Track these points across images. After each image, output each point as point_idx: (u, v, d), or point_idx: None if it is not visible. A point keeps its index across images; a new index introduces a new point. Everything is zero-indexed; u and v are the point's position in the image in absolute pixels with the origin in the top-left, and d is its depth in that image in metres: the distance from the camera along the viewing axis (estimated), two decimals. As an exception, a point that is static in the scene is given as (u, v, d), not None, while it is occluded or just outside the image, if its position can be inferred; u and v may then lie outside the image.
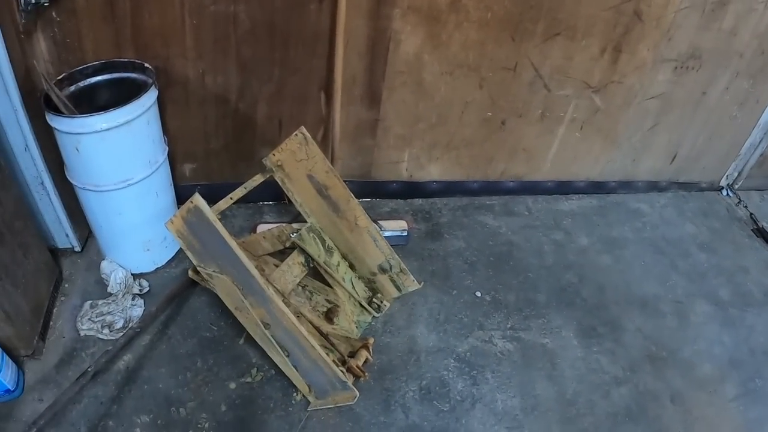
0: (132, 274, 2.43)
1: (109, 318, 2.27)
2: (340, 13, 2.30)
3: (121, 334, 2.17)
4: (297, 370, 2.04)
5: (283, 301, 2.11)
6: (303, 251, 2.34)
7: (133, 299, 2.36)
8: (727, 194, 3.59)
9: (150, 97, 2.13)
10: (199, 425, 1.99)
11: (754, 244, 3.27)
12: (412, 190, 2.99)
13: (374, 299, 2.43)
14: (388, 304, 2.45)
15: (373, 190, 2.95)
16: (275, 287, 2.23)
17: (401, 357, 2.34)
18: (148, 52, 2.31)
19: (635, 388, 2.39)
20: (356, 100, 2.64)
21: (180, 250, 2.52)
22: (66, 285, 2.41)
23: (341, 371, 1.98)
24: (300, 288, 2.38)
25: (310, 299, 2.37)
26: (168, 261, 2.53)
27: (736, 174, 3.53)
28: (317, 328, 2.26)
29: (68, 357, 2.15)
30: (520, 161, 3.04)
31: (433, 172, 2.97)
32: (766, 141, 3.35)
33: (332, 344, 2.23)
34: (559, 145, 3.02)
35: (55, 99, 2.03)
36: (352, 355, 2.20)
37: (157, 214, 2.34)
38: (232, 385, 2.14)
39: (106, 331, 2.23)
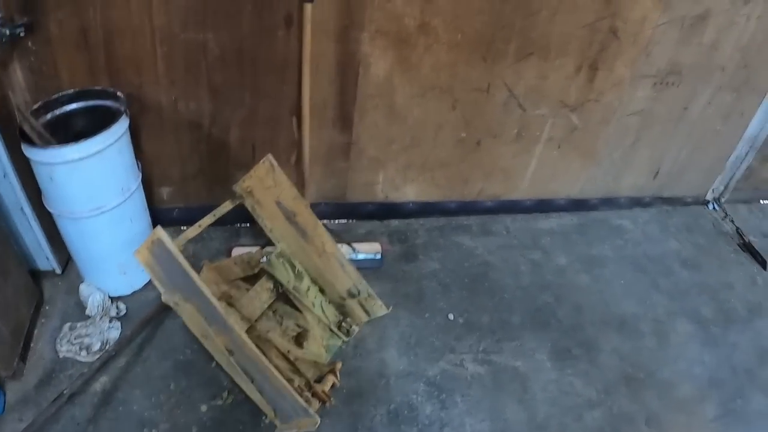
0: (110, 297, 2.44)
1: (87, 340, 2.28)
2: (306, 39, 2.25)
3: (98, 356, 2.20)
4: (262, 395, 2.03)
5: (250, 326, 2.16)
6: (272, 277, 2.30)
7: (110, 322, 2.37)
8: (714, 208, 3.52)
9: (121, 126, 2.14)
10: (170, 447, 1.98)
11: (740, 259, 3.20)
12: (388, 211, 2.96)
13: (343, 323, 2.39)
14: (357, 329, 2.42)
15: (349, 212, 2.92)
16: (242, 313, 2.22)
17: (371, 381, 2.32)
18: (122, 79, 2.32)
19: (609, 411, 2.34)
20: (328, 123, 2.61)
21: None
22: (47, 307, 2.42)
23: (303, 398, 1.96)
24: (271, 312, 2.36)
25: (281, 324, 2.35)
26: (145, 284, 2.52)
27: (722, 188, 3.46)
28: (287, 352, 2.24)
29: (48, 378, 2.16)
30: (498, 181, 2.99)
31: (409, 193, 2.93)
32: (752, 154, 3.27)
33: (297, 369, 2.21)
34: (537, 164, 2.97)
35: (28, 130, 2.04)
36: (320, 379, 2.19)
37: (132, 239, 2.34)
38: (204, 408, 2.13)
39: (83, 353, 2.25)
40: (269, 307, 2.34)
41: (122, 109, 2.17)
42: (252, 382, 1.99)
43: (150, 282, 2.53)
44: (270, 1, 2.25)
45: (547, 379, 2.42)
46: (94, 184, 2.15)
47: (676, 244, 3.19)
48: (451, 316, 2.59)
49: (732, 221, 3.42)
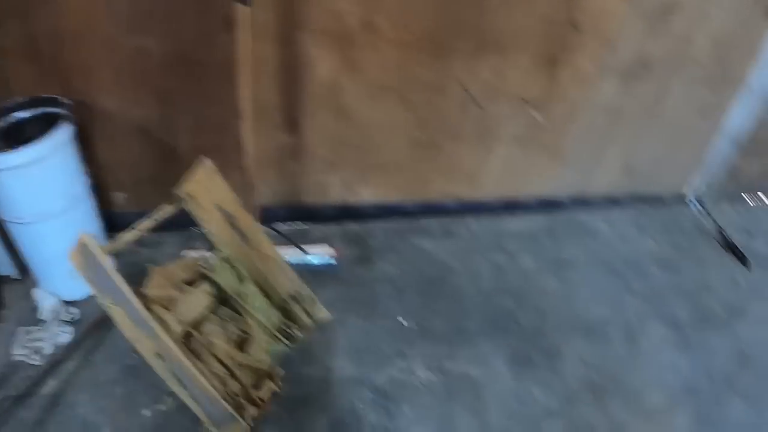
0: (63, 302, 2.41)
1: (39, 344, 2.27)
2: (239, 42, 2.17)
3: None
4: (193, 400, 1.97)
5: (194, 330, 2.09)
6: (213, 281, 2.25)
7: (61, 326, 2.35)
8: (695, 207, 3.33)
9: (62, 133, 2.12)
10: (112, 452, 1.96)
11: (721, 259, 3.06)
12: (346, 213, 2.87)
13: (286, 328, 2.30)
14: (300, 334, 2.32)
15: (305, 215, 2.84)
16: (179, 317, 2.13)
17: (316, 387, 2.24)
18: (72, 87, 2.30)
19: (570, 422, 2.22)
20: (276, 126, 2.55)
21: None
22: (4, 311, 2.40)
23: (237, 403, 1.95)
24: (216, 317, 2.28)
25: (224, 328, 2.27)
26: None
27: (702, 185, 3.29)
28: (229, 357, 2.17)
29: (1, 381, 2.14)
30: (460, 181, 2.89)
31: (366, 195, 2.84)
32: (733, 150, 3.10)
33: (234, 375, 2.13)
34: (500, 164, 2.86)
35: None
36: (259, 385, 2.13)
37: None
38: (147, 413, 2.09)
39: (36, 357, 2.23)
40: (214, 311, 2.27)
41: (66, 116, 2.16)
42: (184, 387, 1.94)
43: None
44: (208, 4, 2.20)
45: (503, 388, 2.31)
46: (38, 190, 2.14)
47: (653, 244, 3.04)
48: (404, 322, 2.48)
49: (714, 220, 3.24)
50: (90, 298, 2.45)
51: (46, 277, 2.43)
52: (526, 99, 2.66)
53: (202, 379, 1.82)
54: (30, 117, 2.24)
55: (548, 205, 3.11)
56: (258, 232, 2.23)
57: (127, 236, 2.15)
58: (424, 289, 2.63)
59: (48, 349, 2.26)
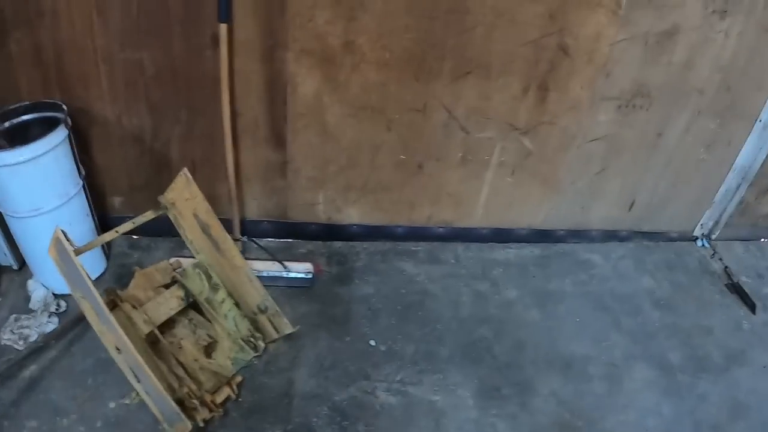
0: (54, 294, 2.50)
1: (26, 331, 2.37)
2: (222, 59, 2.21)
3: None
4: (148, 396, 2.00)
5: (152, 331, 2.13)
6: (184, 286, 2.31)
7: (49, 317, 2.43)
8: (703, 245, 3.11)
9: (57, 136, 2.22)
10: (75, 437, 2.01)
11: (725, 300, 2.85)
12: (331, 232, 2.82)
13: (251, 339, 2.27)
14: (263, 344, 2.30)
15: (291, 231, 2.81)
16: (147, 316, 2.18)
17: (274, 399, 2.19)
18: (72, 94, 2.39)
19: (532, 460, 2.08)
20: (261, 142, 2.54)
21: (100, 276, 2.62)
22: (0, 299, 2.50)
23: (191, 405, 2.01)
24: (187, 320, 2.34)
25: (194, 332, 2.31)
26: None
27: (711, 223, 3.09)
28: (194, 360, 2.22)
29: None
30: (447, 206, 2.79)
31: (353, 215, 2.78)
32: (745, 186, 2.90)
33: (193, 377, 2.16)
34: (489, 191, 2.75)
35: None
36: (217, 390, 2.15)
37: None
38: (112, 405, 2.12)
39: (21, 342, 2.33)
40: (186, 315, 2.33)
41: (63, 120, 2.26)
42: (138, 382, 1.97)
43: (93, 282, 2.53)
44: (196, 22, 2.23)
45: (465, 418, 2.20)
46: (32, 187, 2.24)
47: (651, 282, 2.85)
48: (373, 342, 2.41)
49: (720, 259, 3.03)
50: None
51: (39, 269, 2.52)
52: (515, 124, 2.55)
53: (152, 375, 1.84)
54: (33, 120, 2.35)
55: (542, 236, 2.97)
56: (229, 242, 2.27)
57: (106, 236, 2.25)
58: (400, 312, 2.55)
59: (33, 336, 2.35)
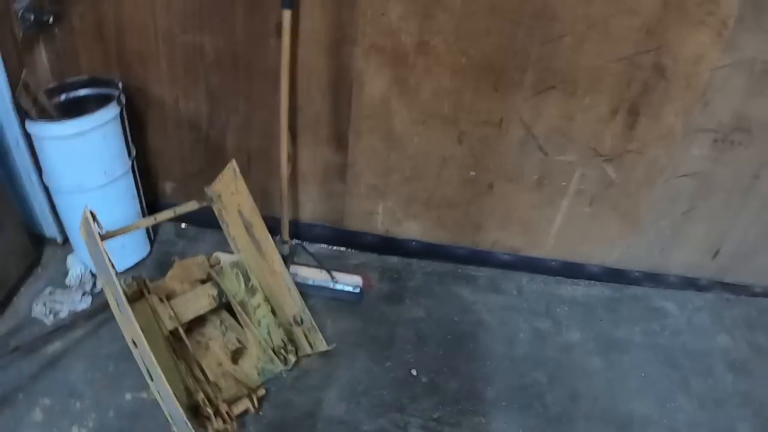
0: (92, 273, 2.40)
1: (57, 306, 2.28)
2: (285, 48, 1.99)
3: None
4: (159, 396, 1.84)
5: (176, 328, 1.94)
6: (218, 285, 2.11)
7: (83, 295, 2.33)
8: None
9: (107, 113, 2.11)
10: (85, 422, 1.90)
11: None
12: (388, 245, 2.55)
13: (282, 350, 2.02)
14: (294, 358, 2.06)
15: (346, 240, 2.55)
16: (174, 311, 1.98)
17: (297, 418, 1.95)
18: (131, 73, 2.29)
19: None
20: (322, 141, 2.30)
21: (141, 261, 2.49)
22: (39, 269, 2.43)
23: (204, 413, 1.82)
24: (218, 321, 2.13)
25: (224, 334, 2.10)
26: (128, 268, 2.45)
27: None
28: (219, 365, 2.03)
29: (14, 331, 2.17)
30: (516, 232, 2.48)
31: (412, 230, 2.50)
32: None
33: (213, 382, 1.95)
34: (563, 220, 2.42)
35: (24, 104, 2.05)
36: (236, 400, 1.92)
37: (114, 223, 2.22)
38: (128, 396, 1.99)
39: (51, 317, 2.25)
40: (218, 315, 2.13)
41: (116, 98, 2.14)
42: (151, 380, 1.82)
43: (133, 267, 2.46)
44: (260, 8, 2.04)
45: (503, 471, 1.87)
46: (77, 163, 2.14)
47: (728, 340, 2.46)
48: (414, 372, 2.12)
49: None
50: (121, 274, 2.40)
51: (79, 246, 2.42)
52: (598, 150, 2.22)
53: (163, 378, 1.65)
54: (90, 95, 2.25)
55: (615, 276, 2.60)
56: (271, 245, 2.06)
57: (142, 222, 2.12)
58: (449, 342, 2.25)
59: (64, 312, 2.26)
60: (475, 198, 2.37)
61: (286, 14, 1.94)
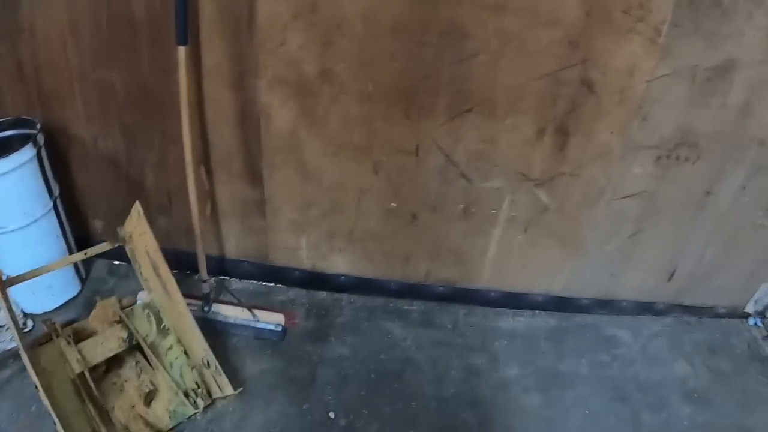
0: (23, 312, 2.29)
1: None
2: (182, 84, 1.85)
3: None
4: None
5: (83, 371, 1.85)
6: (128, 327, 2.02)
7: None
8: (755, 324, 2.43)
9: (22, 155, 2.02)
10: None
11: None
12: (316, 280, 2.38)
13: (193, 393, 1.90)
14: (203, 401, 1.94)
15: (274, 275, 2.40)
16: (82, 354, 1.90)
17: None
18: (51, 112, 2.17)
19: None
20: (237, 176, 2.16)
21: (71, 299, 2.36)
22: None
23: None
24: (134, 362, 2.04)
25: (139, 376, 2.00)
26: (55, 308, 2.32)
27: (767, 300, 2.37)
28: (131, 407, 1.93)
29: None
30: (448, 263, 2.29)
31: (339, 264, 2.33)
32: None
33: (123, 425, 1.87)
34: (497, 249, 2.23)
35: None
36: None
37: (39, 263, 2.12)
38: None
39: None
40: (134, 356, 2.04)
41: (34, 139, 2.05)
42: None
43: (61, 306, 2.34)
44: (163, 44, 1.90)
45: None
46: None
47: (686, 368, 2.24)
48: (332, 415, 1.95)
49: (773, 344, 2.35)
50: (46, 314, 2.27)
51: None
52: (527, 174, 2.02)
53: (58, 422, 1.63)
54: (14, 135, 2.13)
55: (561, 304, 2.39)
56: (174, 286, 1.93)
57: (53, 265, 2.03)
58: (373, 381, 2.07)
59: None
60: (400, 229, 2.20)
61: (181, 51, 1.81)
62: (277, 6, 1.81)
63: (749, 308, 2.46)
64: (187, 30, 1.77)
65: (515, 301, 2.37)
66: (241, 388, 1.95)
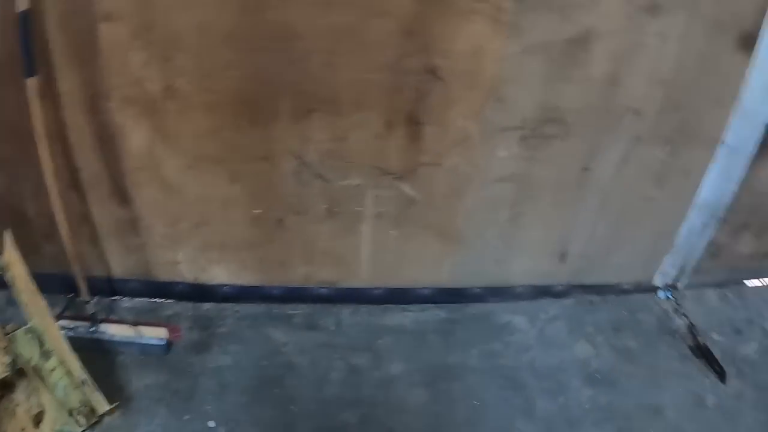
0: None
1: None
2: (35, 115, 2.12)
3: None
4: None
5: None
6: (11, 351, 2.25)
7: None
8: (667, 297, 2.58)
9: None
10: None
11: (686, 369, 2.44)
12: (200, 293, 2.69)
13: (76, 412, 2.19)
14: (84, 419, 2.19)
15: (159, 291, 2.71)
16: None
17: None
18: None
19: None
20: (107, 197, 2.47)
21: None
22: None
23: None
24: (26, 385, 2.23)
25: (29, 399, 2.23)
26: None
27: (675, 270, 2.59)
28: (22, 429, 2.14)
29: None
30: (325, 265, 2.59)
31: (220, 275, 2.64)
32: (714, 224, 2.43)
33: None
34: (371, 246, 2.51)
35: None
36: None
37: None
38: None
39: None
40: (26, 380, 2.21)
41: None
42: None
43: None
44: (19, 75, 2.12)
45: None
46: None
47: (587, 349, 2.47)
48: (212, 424, 2.23)
49: (685, 315, 2.49)
50: None
51: None
52: (385, 168, 2.23)
53: None
54: None
55: (452, 296, 2.67)
56: (40, 305, 2.18)
57: None
58: (252, 388, 2.36)
59: None
60: (270, 235, 2.50)
61: (31, 82, 2.08)
62: (117, 28, 2.11)
63: (657, 282, 2.64)
64: (33, 62, 2.04)
65: (401, 297, 2.66)
66: (118, 403, 2.20)
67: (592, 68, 2.12)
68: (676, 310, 2.62)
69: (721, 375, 2.35)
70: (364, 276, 2.60)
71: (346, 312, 2.63)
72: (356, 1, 1.99)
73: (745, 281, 2.73)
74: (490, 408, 2.25)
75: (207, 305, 2.67)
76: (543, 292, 2.64)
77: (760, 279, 2.77)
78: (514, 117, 2.19)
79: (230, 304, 2.67)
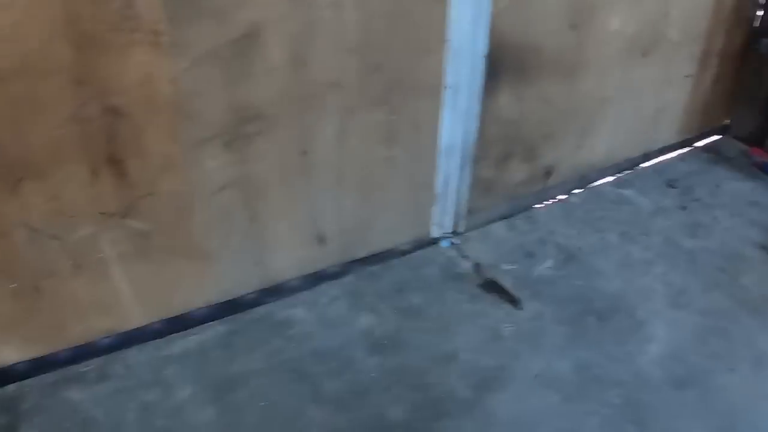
0: None
1: None
2: None
3: None
4: None
5: None
6: None
7: None
8: (451, 244, 3.13)
9: None
10: None
11: (476, 307, 2.99)
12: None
13: None
14: None
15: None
16: None
17: None
18: None
19: None
20: None
21: None
22: None
23: None
24: None
25: None
26: None
27: (449, 218, 3.12)
28: None
29: None
30: (96, 316, 3.10)
31: (9, 355, 3.11)
32: (469, 164, 2.94)
33: None
34: (130, 285, 3.03)
35: None
36: None
37: None
38: None
39: None
40: None
41: None
42: None
43: None
44: None
45: None
46: None
47: (370, 319, 2.99)
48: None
49: (467, 256, 3.04)
50: None
51: None
52: (107, 211, 2.81)
53: None
54: None
55: (228, 309, 3.17)
56: None
57: None
58: (57, 451, 2.89)
59: None
60: (34, 304, 2.94)
61: None
62: None
63: (435, 233, 3.18)
64: None
65: (181, 324, 3.17)
66: None
67: (272, 58, 2.58)
68: (460, 255, 3.14)
69: (514, 302, 2.86)
70: (136, 315, 3.11)
71: (132, 354, 3.13)
72: (19, 67, 2.40)
73: (535, 206, 3.27)
74: (279, 405, 2.75)
75: (11, 388, 3.12)
76: (319, 278, 3.14)
77: (546, 200, 3.30)
78: (210, 127, 2.66)
79: (29, 379, 3.13)
